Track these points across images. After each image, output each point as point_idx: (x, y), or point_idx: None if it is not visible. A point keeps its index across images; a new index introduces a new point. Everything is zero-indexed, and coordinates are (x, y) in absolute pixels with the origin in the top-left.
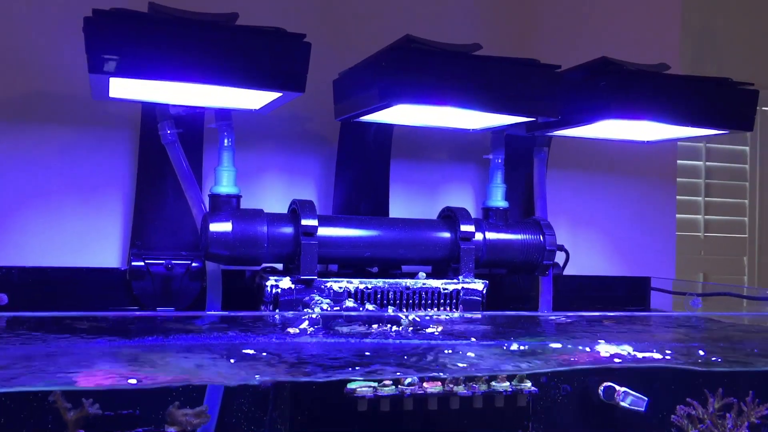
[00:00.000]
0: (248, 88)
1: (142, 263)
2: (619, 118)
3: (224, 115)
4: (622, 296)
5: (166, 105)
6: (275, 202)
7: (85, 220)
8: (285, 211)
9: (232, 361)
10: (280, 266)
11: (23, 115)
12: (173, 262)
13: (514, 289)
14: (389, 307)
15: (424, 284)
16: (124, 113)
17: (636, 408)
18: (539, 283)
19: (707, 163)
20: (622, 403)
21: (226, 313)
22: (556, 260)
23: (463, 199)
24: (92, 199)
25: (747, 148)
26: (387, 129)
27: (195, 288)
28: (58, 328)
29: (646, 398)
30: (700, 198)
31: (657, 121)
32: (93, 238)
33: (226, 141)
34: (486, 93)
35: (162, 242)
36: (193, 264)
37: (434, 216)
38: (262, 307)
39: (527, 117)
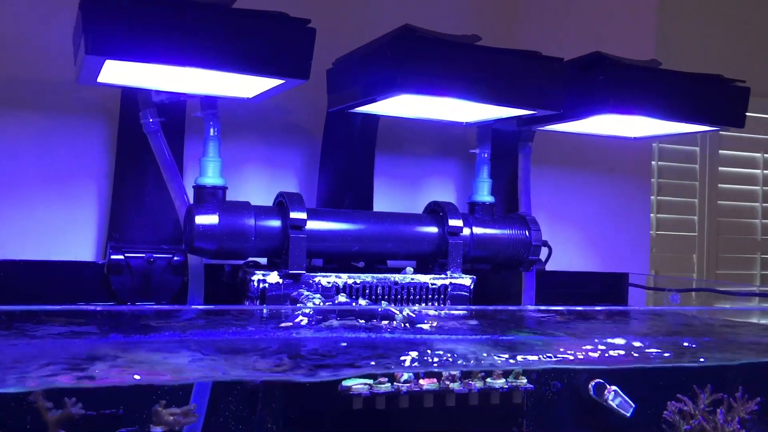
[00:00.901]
0: (251, 74)
1: (122, 257)
2: (615, 112)
3: (210, 103)
4: (600, 292)
5: (149, 92)
6: (254, 195)
7: (57, 211)
8: (265, 203)
9: (225, 356)
10: (262, 260)
11: None
12: (155, 255)
13: (497, 285)
14: (383, 302)
15: (412, 279)
16: (100, 100)
17: (622, 411)
18: (522, 279)
19: (659, 162)
20: (611, 403)
21: (222, 306)
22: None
23: (444, 193)
24: (65, 190)
25: (697, 149)
26: (373, 121)
27: (176, 283)
28: (35, 323)
29: (633, 405)
30: (652, 197)
31: (652, 116)
32: (65, 230)
33: (211, 131)
34: (492, 84)
35: (141, 235)
36: (175, 258)
37: (416, 210)
38: (247, 302)
39: (531, 110)
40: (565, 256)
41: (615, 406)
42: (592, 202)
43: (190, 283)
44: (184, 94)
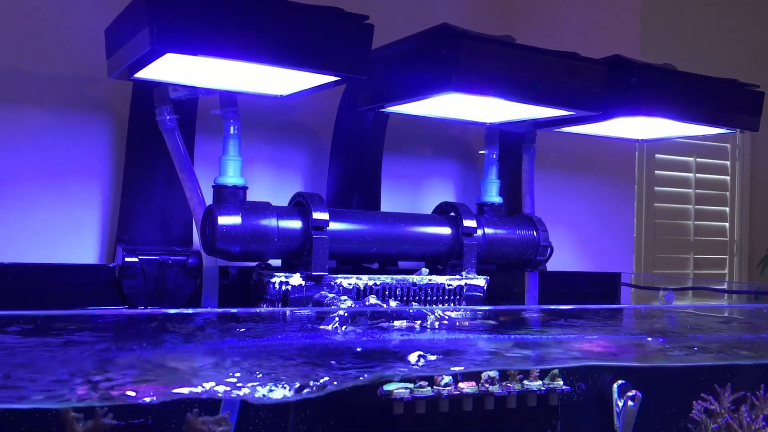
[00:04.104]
0: (309, 71)
1: (136, 259)
2: (646, 115)
3: (231, 100)
4: (596, 291)
5: (167, 88)
6: (260, 195)
7: (58, 212)
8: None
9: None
10: (274, 262)
11: None
12: (172, 258)
13: (500, 285)
14: (414, 303)
15: (429, 280)
16: (106, 97)
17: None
18: (524, 279)
19: None
20: (628, 404)
21: (272, 310)
22: None
23: (446, 193)
24: (67, 189)
25: (635, 153)
26: (383, 121)
27: (190, 285)
28: (54, 329)
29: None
30: None
31: (678, 119)
32: (67, 232)
33: (232, 129)
34: (539, 85)
35: (151, 236)
36: (190, 260)
37: (419, 210)
38: (264, 305)
39: (572, 111)
40: (555, 256)
41: (625, 411)
42: (580, 203)
43: (205, 286)
44: (205, 89)
